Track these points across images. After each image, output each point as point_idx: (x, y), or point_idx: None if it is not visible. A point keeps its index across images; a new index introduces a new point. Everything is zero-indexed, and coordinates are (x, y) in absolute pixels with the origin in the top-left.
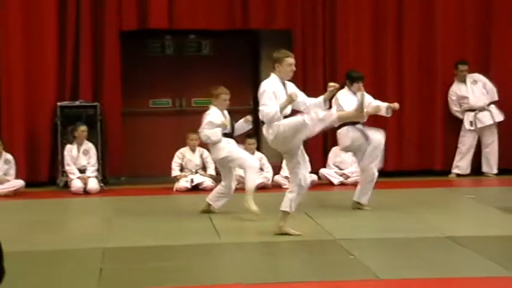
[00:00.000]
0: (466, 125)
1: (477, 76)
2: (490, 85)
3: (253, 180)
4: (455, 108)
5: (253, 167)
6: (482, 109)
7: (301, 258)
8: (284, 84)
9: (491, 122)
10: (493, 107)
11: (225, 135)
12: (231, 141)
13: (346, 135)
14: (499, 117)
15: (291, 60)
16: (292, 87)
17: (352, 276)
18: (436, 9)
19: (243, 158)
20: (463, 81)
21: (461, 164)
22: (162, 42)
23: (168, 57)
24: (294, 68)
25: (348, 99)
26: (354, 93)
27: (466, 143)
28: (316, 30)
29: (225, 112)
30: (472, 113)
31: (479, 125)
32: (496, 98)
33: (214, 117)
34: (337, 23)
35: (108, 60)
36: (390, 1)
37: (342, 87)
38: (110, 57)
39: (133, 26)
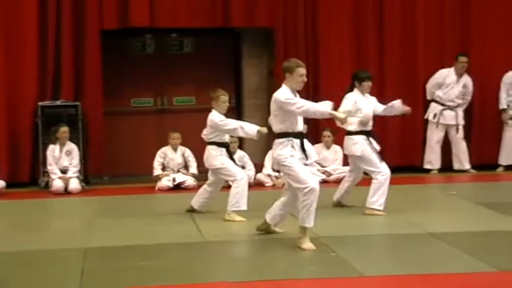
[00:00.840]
0: (430, 115)
1: (469, 82)
2: (469, 97)
3: (237, 194)
4: (431, 88)
5: (241, 183)
6: (451, 108)
7: (284, 256)
8: (295, 95)
9: (453, 122)
10: (459, 110)
11: (219, 144)
12: (224, 150)
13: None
14: (462, 120)
15: (302, 70)
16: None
17: (335, 273)
18: (418, 4)
19: (234, 174)
20: (458, 73)
21: (431, 158)
22: (143, 41)
23: (150, 56)
24: (305, 79)
25: (362, 102)
26: (363, 94)
27: (433, 136)
28: (297, 28)
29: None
30: (440, 108)
31: (442, 121)
32: (464, 107)
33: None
34: (319, 21)
35: (89, 60)
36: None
37: (350, 90)
38: (91, 56)
39: (114, 25)
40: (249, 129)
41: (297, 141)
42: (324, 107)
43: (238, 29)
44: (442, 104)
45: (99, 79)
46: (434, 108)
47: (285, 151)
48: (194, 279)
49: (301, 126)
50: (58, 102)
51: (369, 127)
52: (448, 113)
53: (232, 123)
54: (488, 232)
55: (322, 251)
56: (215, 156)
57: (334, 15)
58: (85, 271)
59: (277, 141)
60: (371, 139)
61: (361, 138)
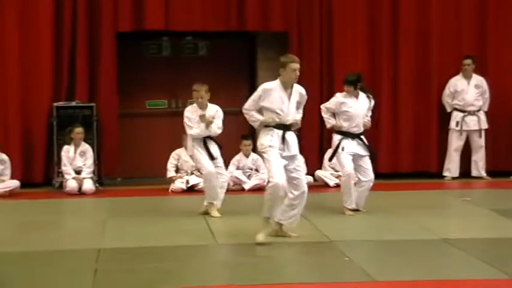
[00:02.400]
0: (452, 124)
1: (481, 81)
2: (487, 94)
3: (205, 188)
4: (447, 99)
5: (205, 178)
6: (472, 113)
7: (296, 260)
8: (288, 89)
9: (477, 127)
10: (481, 113)
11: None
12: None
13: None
14: (485, 124)
15: (295, 65)
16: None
17: (347, 278)
18: (432, 10)
19: (202, 166)
20: (467, 77)
21: (450, 166)
22: (159, 44)
23: (165, 59)
24: (298, 73)
25: (350, 104)
26: (350, 96)
27: (453, 144)
28: (312, 32)
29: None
30: (461, 114)
31: (465, 128)
32: (486, 108)
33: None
34: (334, 25)
35: (105, 61)
36: (386, 3)
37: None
38: (106, 58)
39: (130, 28)
40: None
41: (278, 132)
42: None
43: (253, 33)
44: (463, 111)
45: (114, 81)
46: (455, 116)
47: (265, 140)
48: (205, 281)
49: (284, 119)
50: (73, 103)
51: (354, 129)
52: (470, 119)
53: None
54: (502, 239)
55: (335, 256)
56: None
57: (349, 19)
58: (98, 272)
59: (261, 131)
60: (347, 140)
61: (338, 137)
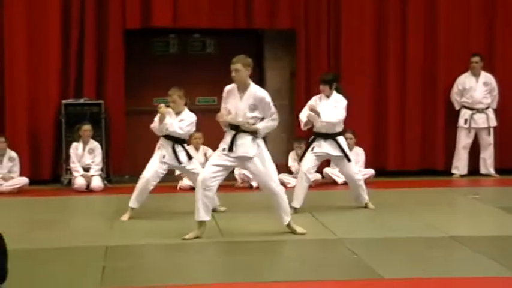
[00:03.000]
0: (461, 122)
1: (490, 78)
2: (496, 92)
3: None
4: (455, 97)
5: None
6: (480, 111)
7: (303, 257)
8: (241, 90)
9: (485, 125)
10: (490, 111)
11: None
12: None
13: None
14: (494, 122)
15: (231, 67)
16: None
17: (355, 275)
18: (440, 7)
19: None
20: (475, 74)
21: (458, 163)
22: (167, 41)
23: (172, 56)
24: (233, 74)
25: (322, 105)
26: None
27: (461, 141)
28: (320, 30)
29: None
30: (469, 112)
31: (473, 125)
32: (495, 106)
33: None
34: (342, 23)
35: (112, 59)
36: (394, 1)
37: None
38: (113, 55)
39: (138, 25)
40: None
41: (230, 132)
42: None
43: (261, 30)
44: (471, 109)
45: (122, 78)
46: (464, 113)
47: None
48: (213, 278)
49: (236, 120)
50: (81, 101)
51: (322, 129)
52: (479, 116)
53: None
54: (510, 237)
55: (343, 253)
56: None
57: (357, 17)
58: (106, 269)
59: None
60: (317, 141)
61: (311, 138)
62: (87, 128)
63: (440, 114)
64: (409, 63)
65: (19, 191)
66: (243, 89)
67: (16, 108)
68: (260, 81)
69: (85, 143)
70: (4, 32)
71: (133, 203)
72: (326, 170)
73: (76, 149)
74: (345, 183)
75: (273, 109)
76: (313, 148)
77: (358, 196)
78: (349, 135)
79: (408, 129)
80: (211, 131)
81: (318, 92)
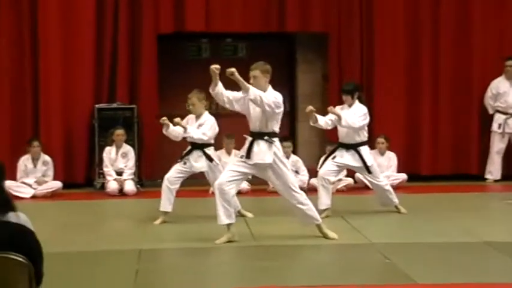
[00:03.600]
0: (494, 126)
1: None
2: None
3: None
4: (489, 101)
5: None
6: None
7: (336, 262)
8: None
9: None
10: None
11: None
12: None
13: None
14: None
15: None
16: None
17: (388, 280)
18: (473, 10)
19: None
20: (509, 78)
21: (492, 168)
22: (199, 46)
23: (205, 60)
24: (251, 80)
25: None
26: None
27: (495, 146)
28: (352, 33)
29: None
30: (503, 117)
31: (507, 130)
32: None
33: None
34: (374, 26)
35: (145, 63)
36: (426, 4)
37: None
38: (147, 59)
39: (170, 29)
40: None
41: (248, 139)
42: None
43: (293, 34)
44: (505, 113)
45: (155, 82)
46: (498, 118)
47: None
48: (243, 282)
49: (252, 126)
50: (114, 105)
51: (346, 139)
52: None
53: None
54: None
55: (376, 258)
56: None
57: (389, 21)
58: (139, 272)
59: None
60: (340, 151)
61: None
62: (120, 132)
63: (474, 118)
64: (442, 67)
65: (53, 195)
66: None
67: (50, 113)
68: (292, 85)
69: (118, 147)
70: (39, 37)
71: (162, 207)
72: (358, 174)
73: (109, 153)
74: None
75: (273, 102)
76: (334, 157)
77: (387, 200)
78: (381, 139)
79: (441, 134)
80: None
81: None
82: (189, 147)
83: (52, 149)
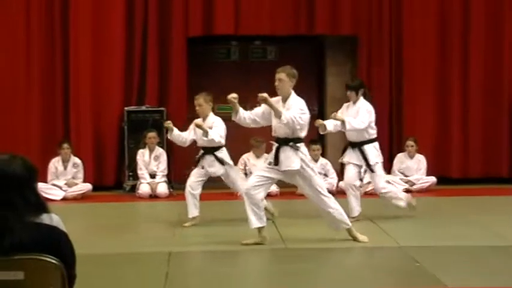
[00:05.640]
0: None
1: None
2: None
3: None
4: None
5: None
6: None
7: (366, 265)
8: (284, 101)
9: None
10: None
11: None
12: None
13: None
14: None
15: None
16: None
17: (418, 283)
18: (505, 13)
19: None
20: None
21: None
22: (228, 48)
23: (234, 63)
24: (276, 83)
25: (347, 110)
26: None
27: None
28: (381, 36)
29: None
30: None
31: None
32: None
33: None
34: (403, 29)
35: (175, 66)
36: (456, 6)
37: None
38: (176, 62)
39: (200, 32)
40: None
41: (274, 145)
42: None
43: (322, 37)
44: None
45: (184, 85)
46: None
47: None
48: (273, 285)
49: (277, 132)
50: (143, 108)
51: (350, 137)
52: None
53: None
54: None
55: (405, 261)
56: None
57: (419, 23)
58: (169, 275)
59: None
60: (348, 150)
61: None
62: (152, 135)
63: (505, 120)
64: (472, 69)
65: (83, 197)
66: (284, 100)
67: (80, 115)
68: (321, 88)
69: (151, 150)
70: (70, 40)
71: (190, 213)
72: (387, 177)
73: (143, 155)
74: (407, 191)
75: (297, 115)
76: (343, 158)
77: (390, 205)
78: (410, 142)
79: (472, 136)
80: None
81: (379, 99)
82: (202, 152)
83: (82, 151)
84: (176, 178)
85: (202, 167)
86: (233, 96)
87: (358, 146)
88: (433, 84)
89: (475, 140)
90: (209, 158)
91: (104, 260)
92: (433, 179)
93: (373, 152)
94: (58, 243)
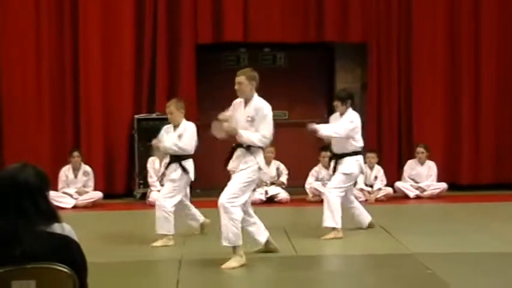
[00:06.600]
0: None
1: None
2: None
3: None
4: None
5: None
6: None
7: (378, 272)
8: (246, 103)
9: None
10: None
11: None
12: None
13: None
14: None
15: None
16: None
17: None
18: None
19: None
20: None
21: None
22: (237, 55)
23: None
24: (236, 87)
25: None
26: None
27: None
28: (391, 43)
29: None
30: None
31: None
32: None
33: None
34: (413, 36)
35: (184, 73)
36: (466, 14)
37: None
38: (185, 70)
39: (209, 39)
40: None
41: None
42: None
43: (331, 44)
44: None
45: (194, 92)
46: None
47: None
48: None
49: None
50: (153, 115)
51: (334, 148)
52: None
53: None
54: None
55: (417, 268)
56: None
57: (428, 31)
58: (180, 282)
59: None
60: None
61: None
62: None
63: None
64: (483, 75)
65: (93, 205)
66: (247, 102)
67: (91, 124)
68: (331, 95)
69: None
70: (80, 49)
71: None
72: (397, 184)
73: (153, 163)
74: (418, 197)
75: (267, 129)
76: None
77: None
78: (420, 149)
79: (482, 143)
80: (283, 145)
81: (389, 106)
82: (169, 160)
83: (92, 160)
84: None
85: (162, 179)
86: (222, 118)
87: (341, 157)
88: (443, 90)
89: (486, 146)
90: (174, 165)
91: (114, 268)
92: (443, 185)
93: (351, 163)
94: (70, 252)
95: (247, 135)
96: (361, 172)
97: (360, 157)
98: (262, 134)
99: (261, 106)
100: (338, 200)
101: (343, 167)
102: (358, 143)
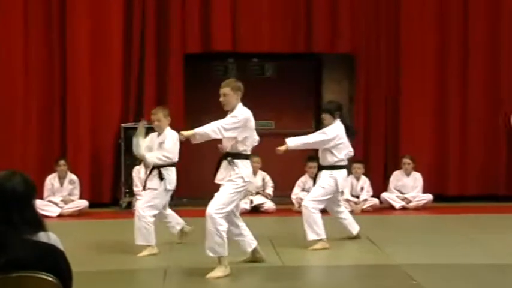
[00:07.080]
0: None
1: None
2: None
3: None
4: None
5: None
6: None
7: (363, 283)
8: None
9: None
10: None
11: None
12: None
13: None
14: None
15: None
16: None
17: None
18: (503, 31)
19: None
20: None
21: None
22: (225, 65)
23: None
24: (221, 98)
25: None
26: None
27: None
28: (379, 54)
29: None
30: None
31: None
32: None
33: None
34: (401, 48)
35: (172, 83)
36: (455, 27)
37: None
38: (173, 79)
39: (198, 49)
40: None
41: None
42: None
43: (320, 54)
44: None
45: (182, 102)
46: None
47: None
48: None
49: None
50: None
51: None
52: None
53: None
54: None
55: (402, 279)
56: None
57: (417, 42)
58: None
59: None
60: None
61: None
62: None
63: (502, 138)
64: (471, 88)
65: (79, 214)
66: (229, 112)
67: (78, 132)
68: (318, 105)
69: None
70: (67, 57)
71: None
72: (383, 194)
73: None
74: (403, 208)
75: (229, 123)
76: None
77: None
78: (407, 160)
79: (469, 154)
80: (269, 155)
81: (376, 117)
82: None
83: (79, 168)
84: (173, 194)
85: (144, 188)
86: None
87: (319, 169)
88: (431, 102)
89: (472, 158)
90: (155, 172)
91: (100, 278)
92: (429, 197)
93: (326, 178)
94: (55, 261)
95: (201, 128)
96: (336, 188)
97: (338, 171)
98: (221, 124)
99: (235, 112)
100: (314, 212)
101: (319, 180)
102: (337, 156)
